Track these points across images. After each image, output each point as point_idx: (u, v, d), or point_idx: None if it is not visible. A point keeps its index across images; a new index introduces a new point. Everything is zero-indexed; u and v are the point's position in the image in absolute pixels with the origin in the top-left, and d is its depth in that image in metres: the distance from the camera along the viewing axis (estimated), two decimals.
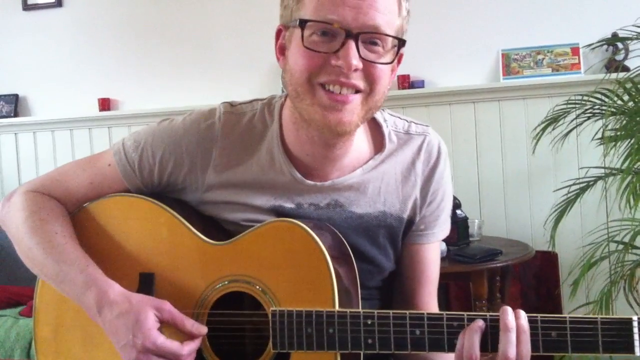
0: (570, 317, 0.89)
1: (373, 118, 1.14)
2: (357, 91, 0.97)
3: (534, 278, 2.95)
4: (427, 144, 1.14)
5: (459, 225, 2.63)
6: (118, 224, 1.13)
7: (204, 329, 1.01)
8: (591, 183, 2.48)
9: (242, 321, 1.07)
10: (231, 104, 1.13)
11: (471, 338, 0.90)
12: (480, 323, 0.91)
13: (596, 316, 0.88)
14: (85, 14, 3.70)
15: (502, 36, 3.15)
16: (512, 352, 0.88)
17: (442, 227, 1.19)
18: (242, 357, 1.08)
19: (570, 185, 2.50)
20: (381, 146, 1.13)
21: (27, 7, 3.77)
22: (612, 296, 2.25)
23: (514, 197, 3.13)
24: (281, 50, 1.05)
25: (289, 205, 1.09)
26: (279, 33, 1.05)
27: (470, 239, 2.74)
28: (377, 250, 1.13)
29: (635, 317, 0.87)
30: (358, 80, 0.96)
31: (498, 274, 2.63)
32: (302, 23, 0.95)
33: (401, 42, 0.99)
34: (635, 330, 0.87)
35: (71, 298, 1.05)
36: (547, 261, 2.91)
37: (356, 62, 0.94)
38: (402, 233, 1.15)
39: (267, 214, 1.09)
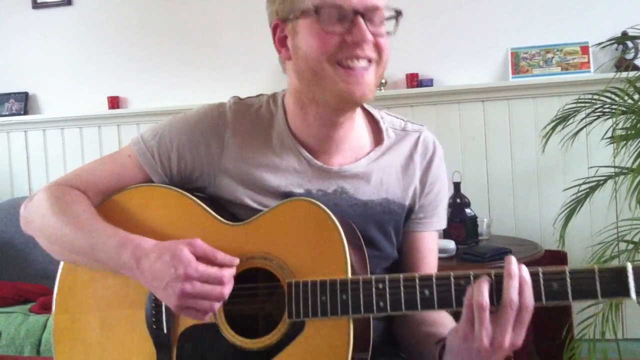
0: (569, 269, 0.94)
1: (371, 115, 1.24)
2: (369, 61, 1.07)
3: None
4: (423, 139, 1.24)
5: (468, 223, 2.62)
6: (142, 212, 1.16)
7: (235, 260, 1.05)
8: (601, 182, 2.47)
9: (259, 294, 1.12)
10: (239, 98, 1.23)
11: (479, 287, 0.93)
12: (487, 277, 0.95)
13: (593, 265, 0.93)
14: (94, 12, 3.71)
15: (511, 35, 3.15)
16: (515, 297, 0.91)
17: (439, 218, 1.26)
18: (257, 331, 1.11)
19: (580, 185, 2.49)
20: (380, 140, 1.22)
21: (36, 5, 3.78)
22: None
23: (523, 196, 3.12)
24: (281, 43, 1.12)
25: (299, 191, 1.16)
26: (275, 28, 1.13)
27: (479, 237, 2.73)
28: (383, 237, 1.19)
29: (629, 264, 0.92)
30: (370, 52, 1.07)
31: None
32: (317, 9, 1.04)
33: (398, 13, 1.10)
34: (630, 276, 0.91)
35: (107, 265, 1.09)
36: (556, 260, 2.89)
37: (369, 35, 1.05)
38: (403, 220, 1.22)
39: (278, 199, 1.13)
